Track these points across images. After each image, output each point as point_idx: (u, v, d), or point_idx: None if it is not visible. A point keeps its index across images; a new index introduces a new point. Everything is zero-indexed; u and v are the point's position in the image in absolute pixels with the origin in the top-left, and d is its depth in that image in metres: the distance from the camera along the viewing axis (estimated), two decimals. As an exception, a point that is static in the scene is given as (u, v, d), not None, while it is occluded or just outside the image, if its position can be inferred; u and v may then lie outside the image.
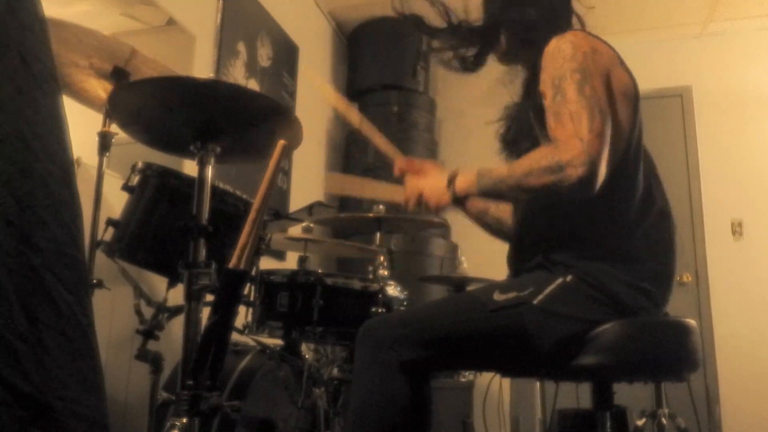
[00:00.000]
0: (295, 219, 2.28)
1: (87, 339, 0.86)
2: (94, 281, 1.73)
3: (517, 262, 1.41)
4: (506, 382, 3.44)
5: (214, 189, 1.56)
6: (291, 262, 3.27)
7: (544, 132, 1.30)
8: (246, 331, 1.94)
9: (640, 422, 2.25)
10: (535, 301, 1.22)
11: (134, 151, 1.86)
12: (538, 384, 2.84)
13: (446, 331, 1.24)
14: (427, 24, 1.47)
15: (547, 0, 1.41)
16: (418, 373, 1.21)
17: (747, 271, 3.90)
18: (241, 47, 3.15)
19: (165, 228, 1.71)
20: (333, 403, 1.97)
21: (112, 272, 1.81)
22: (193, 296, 1.38)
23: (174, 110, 1.44)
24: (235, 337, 1.54)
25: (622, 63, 1.34)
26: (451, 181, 1.31)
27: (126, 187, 1.79)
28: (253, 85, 3.24)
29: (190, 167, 1.57)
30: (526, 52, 1.41)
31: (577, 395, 1.85)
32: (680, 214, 3.97)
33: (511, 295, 1.24)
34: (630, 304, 1.24)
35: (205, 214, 1.43)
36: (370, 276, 2.21)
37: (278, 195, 3.43)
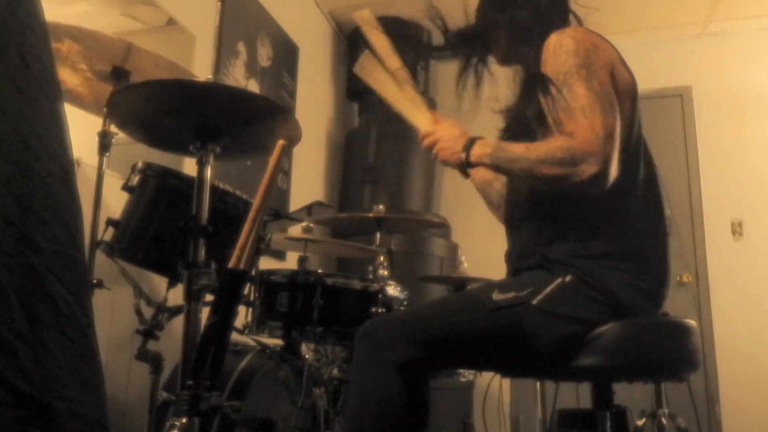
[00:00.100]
0: (295, 219, 2.28)
1: (87, 339, 0.86)
2: (94, 281, 1.73)
3: (515, 260, 1.40)
4: (506, 382, 3.44)
5: (214, 189, 1.56)
6: (291, 262, 3.27)
7: (542, 130, 1.30)
8: (246, 331, 1.94)
9: (640, 422, 2.25)
10: (534, 302, 1.22)
11: (134, 151, 1.86)
12: (538, 384, 2.84)
13: (444, 331, 1.24)
14: (427, 45, 1.49)
15: (539, 1, 1.41)
16: (416, 372, 1.21)
17: (747, 271, 3.89)
18: (241, 47, 3.15)
19: (165, 228, 1.71)
20: (333, 403, 1.97)
21: (112, 272, 1.81)
22: (193, 296, 1.38)
23: (173, 112, 1.44)
24: (235, 337, 1.54)
25: (622, 61, 1.34)
26: (469, 145, 1.31)
27: (126, 187, 1.79)
28: (253, 85, 3.24)
29: (190, 167, 1.57)
30: (522, 52, 1.41)
31: (577, 395, 1.85)
32: (680, 214, 3.98)
33: (510, 295, 1.24)
34: (629, 305, 1.24)
35: (205, 214, 1.43)
36: (370, 276, 2.21)
37: (278, 195, 3.43)
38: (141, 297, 1.80)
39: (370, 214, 2.34)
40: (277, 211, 1.98)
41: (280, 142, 1.18)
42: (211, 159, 1.46)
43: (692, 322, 1.32)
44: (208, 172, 1.45)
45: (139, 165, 1.81)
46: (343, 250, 3.02)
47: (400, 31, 4.19)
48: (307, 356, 2.09)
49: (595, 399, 1.35)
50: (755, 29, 4.15)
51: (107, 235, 1.76)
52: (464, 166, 1.33)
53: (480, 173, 1.60)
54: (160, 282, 1.88)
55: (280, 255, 3.35)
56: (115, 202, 1.84)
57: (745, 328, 3.81)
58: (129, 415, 2.22)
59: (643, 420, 2.26)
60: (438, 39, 1.53)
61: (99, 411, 0.85)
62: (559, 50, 1.27)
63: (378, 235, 2.38)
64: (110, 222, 1.76)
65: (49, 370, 0.79)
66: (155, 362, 1.75)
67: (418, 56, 4.13)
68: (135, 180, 1.79)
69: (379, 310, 1.97)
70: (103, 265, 1.79)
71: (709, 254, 3.97)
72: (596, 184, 1.17)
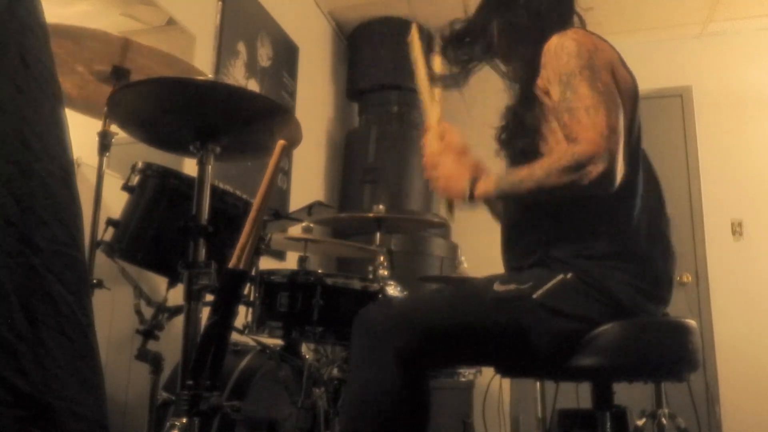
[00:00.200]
0: (295, 219, 2.28)
1: (87, 339, 0.86)
2: (94, 281, 1.73)
3: (512, 259, 1.40)
4: (506, 382, 3.44)
5: (214, 189, 1.56)
6: (291, 262, 3.27)
7: (540, 127, 1.30)
8: (246, 331, 1.94)
9: (640, 422, 2.24)
10: (534, 296, 1.22)
11: (134, 151, 1.86)
12: (538, 384, 2.84)
13: (443, 319, 1.24)
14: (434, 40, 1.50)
15: (540, 2, 1.41)
16: (414, 361, 1.19)
17: (747, 271, 3.90)
18: (241, 47, 3.15)
19: (165, 228, 1.71)
20: (333, 403, 1.97)
21: (112, 272, 1.81)
22: (193, 296, 1.38)
23: (173, 111, 1.44)
24: (235, 337, 1.54)
25: (622, 62, 1.34)
26: (473, 183, 1.29)
27: (126, 187, 1.79)
28: (253, 85, 3.24)
29: (190, 167, 1.57)
30: (520, 51, 1.41)
31: (577, 395, 1.85)
32: (680, 214, 3.98)
33: (512, 287, 1.24)
34: (629, 305, 1.24)
35: (205, 214, 1.43)
36: (370, 276, 2.21)
37: (278, 195, 3.43)
38: (141, 297, 1.80)
39: (370, 214, 2.34)
40: (277, 211, 1.98)
41: (280, 143, 1.18)
42: (211, 159, 1.46)
43: (692, 322, 1.32)
44: (208, 172, 1.45)
45: (139, 165, 1.81)
46: (343, 250, 3.02)
47: (400, 31, 4.20)
48: (307, 356, 2.09)
49: (595, 399, 1.35)
50: (755, 29, 4.15)
51: (107, 235, 1.76)
52: (470, 200, 1.31)
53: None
54: (160, 282, 1.88)
55: (280, 255, 3.35)
56: (115, 202, 1.84)
57: (745, 328, 3.81)
58: (129, 415, 2.22)
59: (643, 420, 2.26)
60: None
61: (99, 411, 0.85)
62: (560, 52, 1.27)
63: (378, 235, 2.38)
64: (110, 222, 1.75)
65: (49, 370, 0.79)
66: (155, 362, 1.75)
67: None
68: (135, 180, 1.79)
69: (379, 310, 1.97)
70: (103, 265, 1.79)
71: (709, 254, 3.97)
72: (605, 184, 1.17)
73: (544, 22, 1.37)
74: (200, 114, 1.43)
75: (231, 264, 1.15)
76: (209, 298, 1.31)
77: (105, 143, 1.83)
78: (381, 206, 2.35)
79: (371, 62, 4.25)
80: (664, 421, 2.24)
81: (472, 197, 1.30)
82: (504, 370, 1.41)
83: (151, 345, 1.77)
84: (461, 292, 1.31)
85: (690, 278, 3.95)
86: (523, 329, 1.21)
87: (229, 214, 1.73)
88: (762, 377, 3.71)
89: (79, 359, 0.84)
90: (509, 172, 1.28)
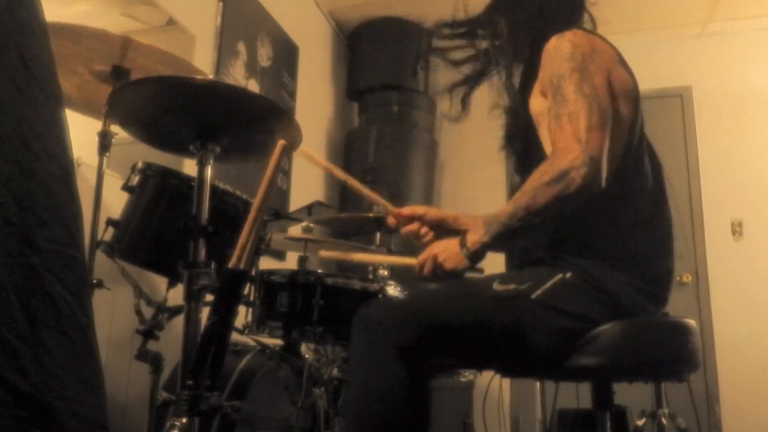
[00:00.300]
0: (295, 219, 2.28)
1: (87, 339, 0.86)
2: (94, 281, 1.73)
3: (512, 258, 1.40)
4: (506, 382, 3.44)
5: (214, 189, 1.56)
6: (291, 262, 3.27)
7: (538, 129, 1.30)
8: (246, 331, 1.94)
9: (640, 422, 2.25)
10: (533, 295, 1.22)
11: (134, 151, 1.86)
12: (538, 384, 2.84)
13: (443, 315, 1.24)
14: (427, 46, 1.49)
15: (548, 1, 1.40)
16: (415, 357, 1.19)
17: (747, 271, 3.89)
18: (241, 47, 3.15)
19: (165, 228, 1.71)
20: (333, 403, 1.97)
21: (112, 272, 1.81)
22: (193, 296, 1.38)
23: (173, 110, 1.44)
24: (235, 337, 1.54)
25: (622, 62, 1.34)
26: (463, 241, 1.25)
27: (126, 187, 1.79)
28: (253, 85, 3.24)
29: (190, 167, 1.57)
30: (525, 49, 1.41)
31: (577, 395, 1.85)
32: (680, 214, 3.98)
33: (511, 286, 1.24)
34: (629, 305, 1.24)
35: (205, 214, 1.43)
36: (370, 276, 2.21)
37: (278, 195, 3.43)
38: (141, 297, 1.80)
39: (370, 214, 2.34)
40: (277, 211, 1.98)
41: (280, 142, 1.18)
42: (211, 159, 1.46)
43: (692, 322, 1.31)
44: (208, 172, 1.45)
45: (139, 165, 1.81)
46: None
47: (400, 31, 4.20)
48: (307, 356, 2.09)
49: (595, 399, 1.35)
50: (755, 29, 4.15)
51: (107, 235, 1.76)
52: (474, 260, 1.27)
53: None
54: (160, 282, 1.88)
55: (280, 255, 3.35)
56: (115, 202, 1.84)
57: (745, 328, 3.81)
58: (129, 415, 2.22)
59: (643, 420, 2.26)
60: (438, 40, 1.53)
61: (99, 411, 0.85)
62: (556, 54, 1.27)
63: (378, 235, 2.38)
64: (110, 222, 1.75)
65: (49, 370, 0.79)
66: (155, 362, 1.75)
67: (418, 57, 4.13)
68: (135, 180, 1.79)
69: (379, 310, 1.97)
70: (103, 265, 1.79)
71: (709, 254, 3.97)
72: (592, 185, 1.16)
73: (548, 20, 1.37)
74: (200, 113, 1.43)
75: (231, 264, 1.15)
76: (209, 298, 1.31)
77: (105, 143, 1.83)
78: (381, 206, 2.35)
79: (371, 62, 4.25)
80: (664, 421, 2.24)
81: (474, 259, 1.25)
82: (504, 369, 1.41)
83: (151, 345, 1.77)
84: (461, 290, 1.31)
85: (690, 278, 3.95)
86: (523, 328, 1.21)
87: (229, 214, 1.73)
88: (762, 377, 3.71)
89: (79, 359, 0.84)
90: (493, 215, 1.24)
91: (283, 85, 3.58)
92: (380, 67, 4.19)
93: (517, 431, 3.85)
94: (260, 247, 1.84)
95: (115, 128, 1.83)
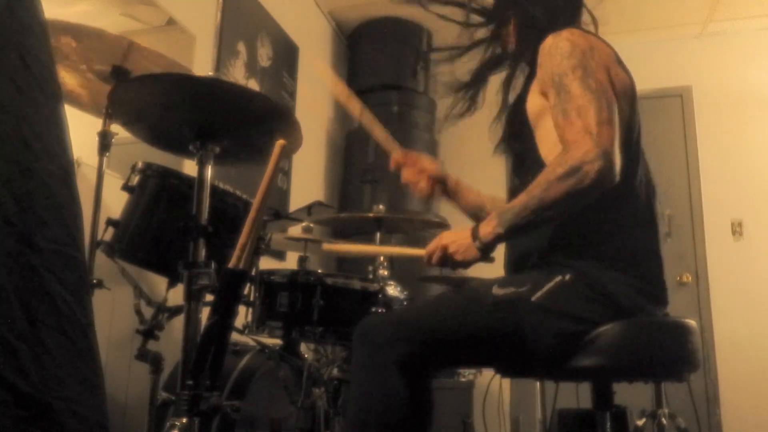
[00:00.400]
0: (295, 219, 2.28)
1: (87, 339, 0.86)
2: (94, 281, 1.73)
3: (514, 263, 1.40)
4: (506, 382, 3.44)
5: (214, 189, 1.56)
6: (291, 262, 3.27)
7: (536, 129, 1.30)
8: (246, 331, 1.94)
9: (640, 422, 2.25)
10: (533, 298, 1.21)
11: (134, 151, 1.86)
12: (538, 384, 2.84)
13: (443, 327, 1.23)
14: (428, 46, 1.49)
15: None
16: (417, 370, 1.19)
17: (747, 271, 3.89)
18: (241, 47, 3.15)
19: (165, 228, 1.71)
20: (333, 403, 1.97)
21: (112, 272, 1.81)
22: (193, 296, 1.38)
23: (173, 108, 1.44)
24: (235, 337, 1.54)
25: (619, 62, 1.33)
26: (474, 232, 1.26)
27: (126, 187, 1.79)
28: (253, 85, 3.24)
29: (190, 167, 1.57)
30: (527, 49, 1.40)
31: (577, 395, 1.85)
32: (680, 214, 3.97)
33: (510, 290, 1.23)
34: (629, 306, 1.23)
35: (205, 214, 1.43)
36: (370, 276, 2.21)
37: (278, 195, 3.43)
38: (141, 297, 1.80)
39: (370, 214, 2.34)
40: (277, 211, 1.98)
41: (280, 142, 1.18)
42: (212, 159, 1.46)
43: (692, 322, 1.31)
44: (208, 172, 1.45)
45: (139, 165, 1.81)
46: (343, 250, 3.02)
47: (400, 31, 4.20)
48: (306, 356, 2.09)
49: (595, 399, 1.35)
50: (755, 29, 4.15)
51: (107, 235, 1.76)
52: (485, 252, 1.27)
53: (466, 201, 1.60)
54: (160, 282, 1.88)
55: (280, 255, 3.35)
56: (115, 202, 1.84)
57: (745, 328, 3.81)
58: (129, 415, 2.22)
59: (643, 420, 2.26)
60: (438, 40, 1.53)
61: (99, 411, 0.85)
62: (554, 52, 1.26)
63: (378, 235, 2.38)
64: (110, 222, 1.75)
65: (49, 370, 0.79)
66: (155, 362, 1.75)
67: (418, 57, 4.13)
68: (135, 180, 1.79)
69: (379, 310, 1.97)
70: (103, 265, 1.79)
71: (709, 254, 3.97)
72: (607, 179, 1.16)
73: (554, 20, 1.37)
74: (200, 111, 1.43)
75: (231, 264, 1.15)
76: (209, 298, 1.31)
77: (105, 143, 1.83)
78: (381, 206, 2.35)
79: (371, 62, 4.25)
80: (664, 421, 2.24)
81: (485, 250, 1.26)
82: (504, 370, 1.41)
83: (151, 345, 1.77)
84: (460, 297, 1.31)
85: (690, 278, 3.95)
86: (523, 332, 1.20)
87: (229, 214, 1.73)
88: (762, 377, 3.71)
89: (79, 359, 0.84)
90: (507, 207, 1.24)
91: (283, 85, 3.58)
92: (380, 67, 4.19)
93: (517, 431, 3.85)
94: (260, 247, 1.84)
95: (115, 128, 1.83)
